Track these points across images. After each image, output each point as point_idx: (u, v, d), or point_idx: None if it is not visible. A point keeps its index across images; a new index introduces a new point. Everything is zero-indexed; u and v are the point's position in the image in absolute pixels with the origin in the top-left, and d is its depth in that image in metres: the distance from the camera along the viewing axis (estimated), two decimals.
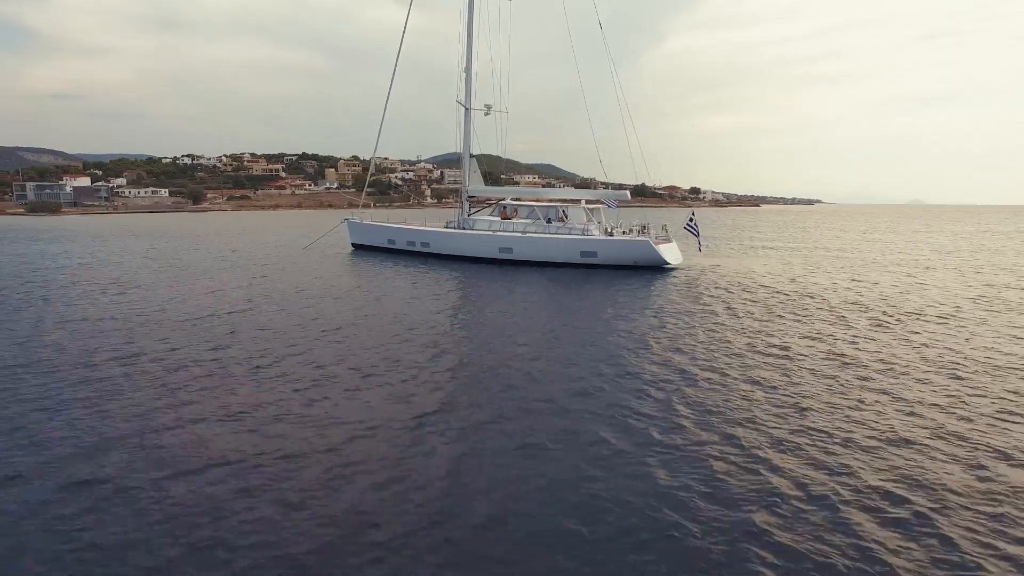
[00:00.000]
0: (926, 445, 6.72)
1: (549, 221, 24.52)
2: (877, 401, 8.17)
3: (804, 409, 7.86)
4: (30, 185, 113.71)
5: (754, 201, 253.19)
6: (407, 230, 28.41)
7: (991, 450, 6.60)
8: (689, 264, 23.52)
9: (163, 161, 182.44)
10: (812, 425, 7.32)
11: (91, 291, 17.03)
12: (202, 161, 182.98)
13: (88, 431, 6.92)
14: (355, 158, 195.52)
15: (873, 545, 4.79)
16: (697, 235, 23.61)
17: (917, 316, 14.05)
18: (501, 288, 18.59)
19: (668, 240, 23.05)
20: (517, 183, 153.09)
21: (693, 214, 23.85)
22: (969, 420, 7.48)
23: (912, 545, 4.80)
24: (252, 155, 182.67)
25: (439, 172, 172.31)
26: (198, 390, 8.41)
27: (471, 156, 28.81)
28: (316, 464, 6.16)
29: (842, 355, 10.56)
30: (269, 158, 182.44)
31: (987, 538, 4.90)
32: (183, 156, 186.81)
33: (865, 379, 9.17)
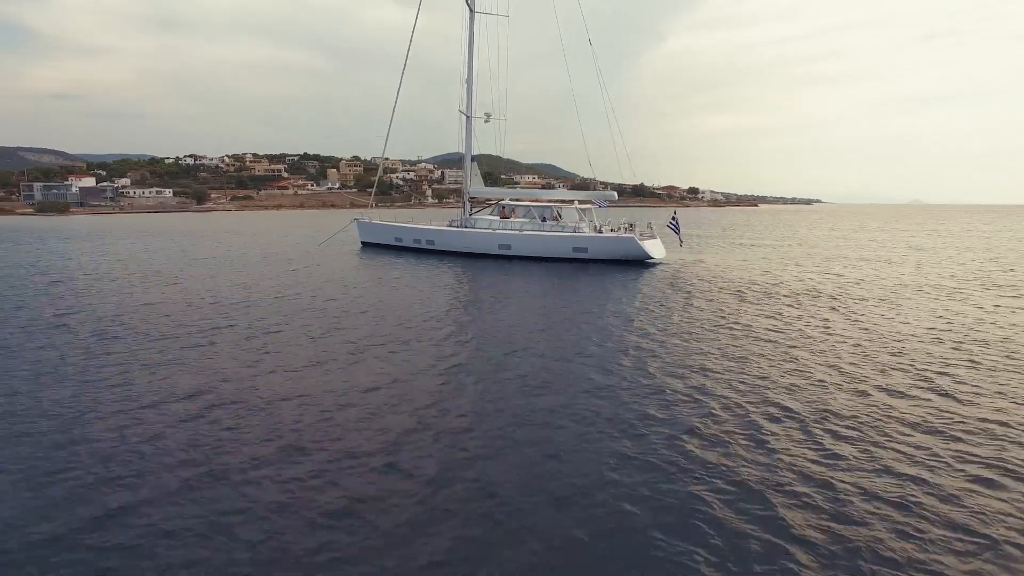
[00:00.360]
0: (829, 382, 9.08)
1: (544, 220, 26.92)
2: (806, 357, 10.52)
3: (747, 362, 10.20)
4: (37, 185, 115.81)
5: (752, 201, 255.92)
6: (413, 229, 30.73)
7: (874, 386, 8.96)
8: (672, 259, 25.90)
9: (166, 161, 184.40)
10: (749, 371, 9.67)
11: (147, 281, 19.37)
12: (204, 161, 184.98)
13: (206, 375, 9.28)
14: (356, 158, 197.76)
15: (765, 437, 7.14)
16: (678, 232, 25.98)
17: (861, 299, 16.44)
18: (502, 279, 20.92)
19: (652, 237, 25.42)
20: (517, 183, 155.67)
21: (676, 213, 26.25)
22: (869, 366, 9.84)
23: (790, 439, 7.16)
24: (254, 155, 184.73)
25: (440, 172, 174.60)
26: (272, 352, 10.75)
27: (472, 160, 31.17)
28: (377, 394, 8.51)
29: (789, 327, 12.93)
30: (271, 158, 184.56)
31: (846, 432, 7.26)
32: (186, 156, 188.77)
33: (802, 343, 11.52)
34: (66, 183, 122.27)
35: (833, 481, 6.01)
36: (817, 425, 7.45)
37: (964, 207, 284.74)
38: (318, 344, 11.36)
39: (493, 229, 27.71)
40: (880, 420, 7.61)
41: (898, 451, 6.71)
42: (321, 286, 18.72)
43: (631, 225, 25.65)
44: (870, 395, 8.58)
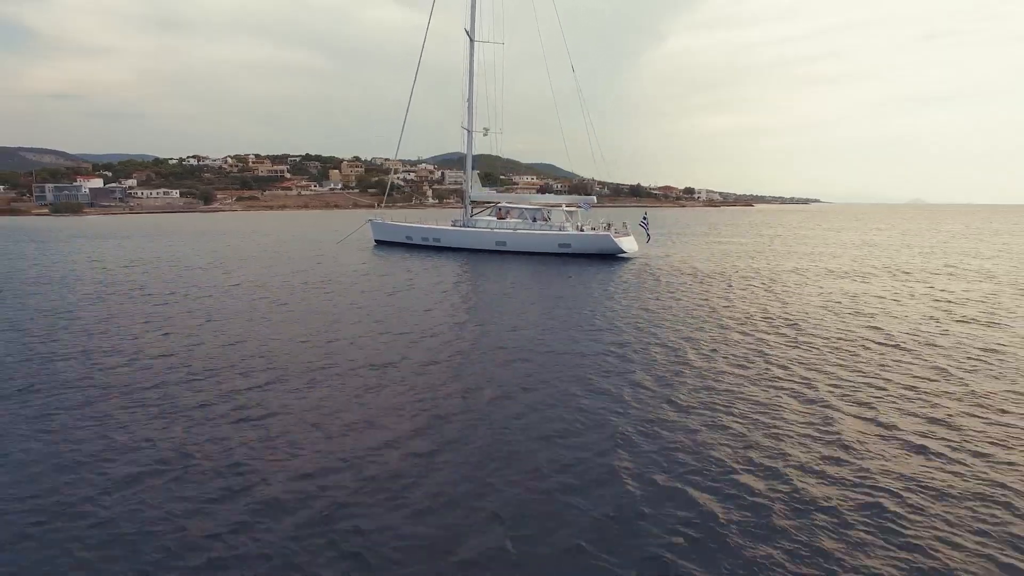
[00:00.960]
0: (735, 329, 13.64)
1: (535, 220, 31.53)
2: (737, 320, 15.03)
3: (691, 322, 14.72)
4: (49, 187, 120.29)
5: (748, 201, 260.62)
6: (422, 228, 35.30)
7: (765, 331, 13.54)
8: (643, 253, 30.49)
9: (170, 162, 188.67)
10: (683, 327, 14.19)
11: (219, 271, 23.94)
12: (208, 162, 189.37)
13: (306, 325, 13.86)
14: (356, 158, 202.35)
15: (680, 358, 11.71)
16: (647, 230, 30.59)
17: (785, 283, 21.02)
18: (499, 271, 25.45)
19: (626, 234, 29.99)
20: (516, 184, 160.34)
21: (646, 214, 30.84)
22: (765, 322, 14.41)
23: (693, 357, 11.72)
24: (256, 156, 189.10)
25: (440, 173, 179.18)
26: (343, 311, 15.32)
27: (472, 169, 35.76)
28: (433, 339, 13.07)
29: (724, 299, 17.49)
30: (273, 159, 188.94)
31: (736, 357, 11.83)
32: (189, 157, 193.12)
33: (732, 308, 16.06)
34: (76, 184, 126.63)
35: (715, 384, 10.57)
36: (716, 353, 11.99)
37: (963, 207, 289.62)
38: (379, 310, 15.94)
39: (491, 228, 32.28)
40: (762, 351, 12.16)
41: (764, 369, 11.27)
42: (354, 278, 23.28)
43: (608, 224, 30.28)
44: (762, 338, 13.08)
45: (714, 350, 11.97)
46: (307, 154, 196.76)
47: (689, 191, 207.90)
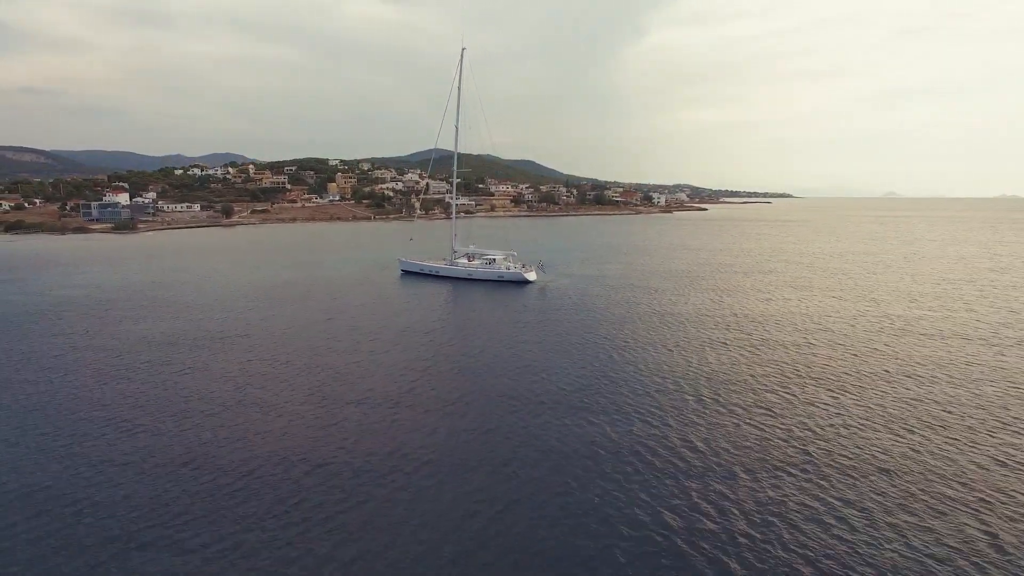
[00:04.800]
0: (593, 312, 45.78)
1: (487, 263, 63.55)
2: (617, 313, 47.00)
3: (545, 301, 46.77)
4: (94, 204, 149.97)
5: (703, 204, 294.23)
6: (428, 265, 66.91)
7: (633, 315, 45.82)
8: (542, 281, 62.27)
9: (176, 172, 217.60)
10: (550, 304, 46.25)
11: (365, 289, 55.53)
12: (211, 172, 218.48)
13: (404, 322, 45.81)
14: (343, 162, 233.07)
15: (573, 345, 43.91)
16: (543, 270, 62.62)
17: (594, 293, 53.31)
18: (468, 290, 57.20)
19: (531, 270, 61.79)
20: (492, 194, 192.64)
21: (541, 261, 63.07)
22: (632, 311, 46.63)
23: (573, 345, 43.92)
24: (256, 167, 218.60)
25: (425, 183, 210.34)
26: (406, 302, 47.18)
27: (455, 235, 67.50)
28: (447, 326, 45.10)
29: (565, 299, 49.55)
30: (272, 168, 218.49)
31: (618, 337, 44.11)
32: (192, 167, 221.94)
33: (566, 300, 48.06)
34: (116, 201, 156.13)
35: (605, 363, 42.58)
36: (557, 311, 43.92)
37: (935, 200, 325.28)
38: (426, 308, 47.66)
39: (464, 266, 64.25)
40: (648, 330, 44.08)
41: (640, 339, 43.32)
42: (404, 293, 55.08)
43: (523, 264, 62.35)
44: (628, 322, 45.06)
45: (554, 311, 43.86)
46: (301, 164, 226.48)
47: (647, 198, 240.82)
